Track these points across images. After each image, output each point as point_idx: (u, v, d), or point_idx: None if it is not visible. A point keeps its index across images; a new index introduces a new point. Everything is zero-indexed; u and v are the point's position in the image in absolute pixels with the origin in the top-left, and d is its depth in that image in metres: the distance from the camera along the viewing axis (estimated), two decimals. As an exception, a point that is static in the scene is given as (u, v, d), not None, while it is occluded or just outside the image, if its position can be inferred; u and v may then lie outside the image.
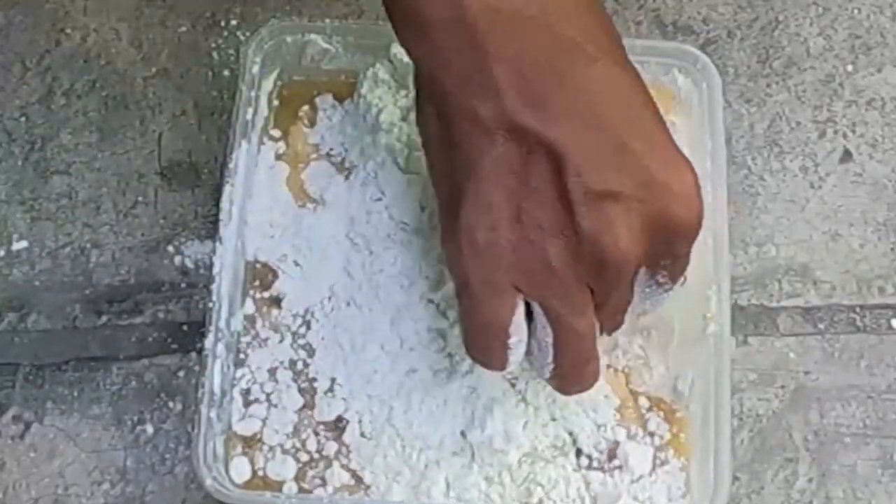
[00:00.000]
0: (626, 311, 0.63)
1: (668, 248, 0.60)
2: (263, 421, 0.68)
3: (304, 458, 0.68)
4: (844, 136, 0.78)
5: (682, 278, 0.63)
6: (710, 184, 0.71)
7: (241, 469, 0.67)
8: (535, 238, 0.58)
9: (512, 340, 0.61)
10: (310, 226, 0.71)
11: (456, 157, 0.59)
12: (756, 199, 0.76)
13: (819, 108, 0.78)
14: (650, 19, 0.80)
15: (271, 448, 0.68)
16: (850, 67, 0.79)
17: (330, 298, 0.69)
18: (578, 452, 0.68)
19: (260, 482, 0.67)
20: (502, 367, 0.62)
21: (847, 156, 0.77)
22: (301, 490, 0.67)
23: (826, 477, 0.71)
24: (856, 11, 0.80)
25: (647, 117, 0.59)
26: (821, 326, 0.74)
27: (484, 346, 0.61)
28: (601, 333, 0.63)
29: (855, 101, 0.78)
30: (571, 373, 0.62)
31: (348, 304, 0.69)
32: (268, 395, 0.69)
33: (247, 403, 0.68)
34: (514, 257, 0.59)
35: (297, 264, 0.70)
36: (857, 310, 0.74)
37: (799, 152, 0.77)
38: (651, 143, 0.59)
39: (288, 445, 0.68)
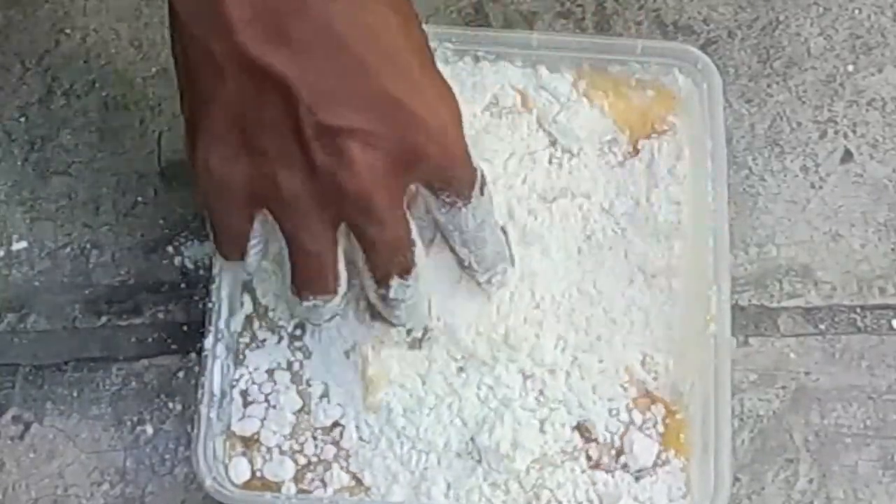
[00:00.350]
0: (407, 246, 0.62)
1: (433, 179, 0.61)
2: (262, 422, 0.68)
3: (303, 460, 0.68)
4: (845, 136, 0.77)
5: (476, 191, 0.63)
6: (711, 183, 0.71)
7: (240, 470, 0.67)
8: (268, 170, 0.59)
9: (251, 244, 0.63)
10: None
11: (194, 87, 0.59)
12: (757, 199, 0.76)
13: (820, 108, 0.78)
14: (651, 19, 0.79)
15: (269, 449, 0.68)
16: (850, 67, 0.79)
17: None
18: (588, 457, 0.68)
19: (258, 483, 0.67)
20: (240, 258, 0.63)
21: (848, 156, 0.77)
22: (300, 491, 0.67)
23: (827, 478, 0.71)
24: (856, 11, 0.80)
25: (400, 52, 0.59)
26: (821, 327, 0.74)
27: (226, 248, 0.63)
28: (390, 275, 0.63)
29: (856, 101, 0.78)
30: (302, 283, 0.62)
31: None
32: (266, 395, 0.68)
33: (246, 404, 0.68)
34: (248, 188, 0.59)
35: None
36: (858, 310, 0.74)
37: (800, 152, 0.77)
38: (399, 78, 0.58)
39: (286, 447, 0.68)
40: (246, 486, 0.67)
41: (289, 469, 0.67)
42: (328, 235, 0.61)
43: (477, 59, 0.73)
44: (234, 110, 0.58)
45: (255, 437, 0.68)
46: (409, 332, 0.68)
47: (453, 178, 0.62)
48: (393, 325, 0.66)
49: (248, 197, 0.60)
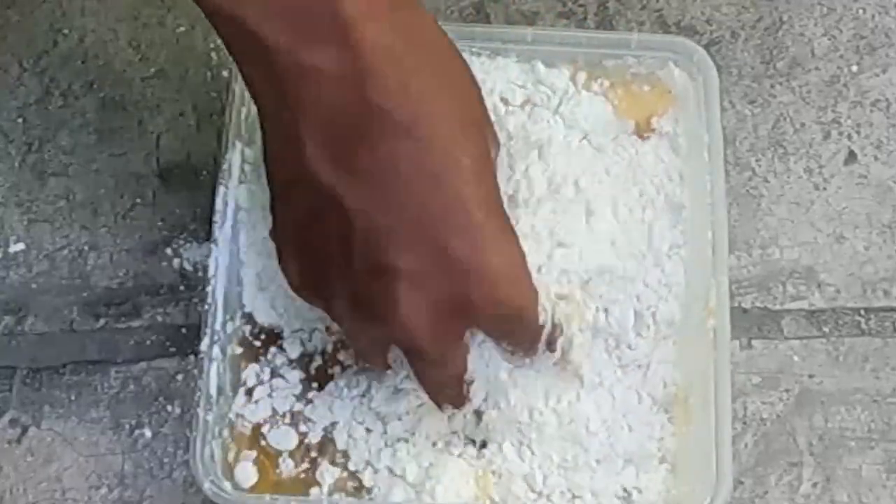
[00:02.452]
0: (457, 384, 0.63)
1: (489, 330, 0.62)
2: (264, 419, 0.68)
3: (304, 461, 0.68)
4: (849, 137, 0.77)
5: (542, 348, 0.64)
6: (708, 178, 0.70)
7: (246, 472, 0.67)
8: (325, 282, 0.61)
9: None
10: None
11: (273, 194, 0.62)
12: (760, 200, 0.76)
13: (823, 109, 0.78)
14: (653, 20, 0.79)
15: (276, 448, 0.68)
16: (854, 68, 0.79)
17: None
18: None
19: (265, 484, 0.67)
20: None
21: (852, 157, 0.77)
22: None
23: (831, 481, 0.71)
24: (861, 11, 0.80)
25: (464, 201, 0.58)
26: (825, 329, 0.73)
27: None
28: (441, 406, 0.65)
29: (860, 101, 0.78)
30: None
31: None
32: (269, 394, 0.69)
33: (249, 401, 0.68)
34: (311, 285, 0.62)
35: None
36: (862, 313, 0.74)
37: (803, 154, 0.77)
38: (457, 229, 0.58)
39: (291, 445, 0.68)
40: (252, 489, 0.67)
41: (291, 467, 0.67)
42: (380, 349, 0.63)
43: (476, 56, 0.73)
44: (301, 227, 0.60)
45: (258, 433, 0.68)
46: None
47: (511, 332, 0.62)
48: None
49: (320, 308, 0.63)
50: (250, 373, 0.69)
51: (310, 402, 0.68)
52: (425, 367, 0.62)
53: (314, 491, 0.67)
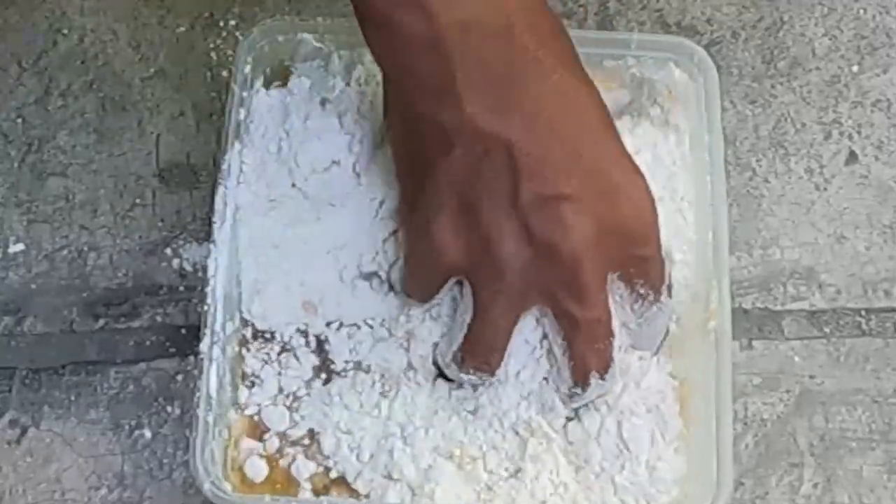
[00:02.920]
0: (608, 338, 0.65)
1: (629, 253, 0.64)
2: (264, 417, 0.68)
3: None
4: (850, 137, 0.77)
5: (666, 288, 0.66)
6: (709, 178, 0.70)
7: (257, 468, 0.67)
8: (483, 237, 0.62)
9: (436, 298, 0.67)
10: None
11: (417, 158, 0.64)
12: (761, 201, 0.76)
13: (824, 109, 0.78)
14: (654, 20, 0.79)
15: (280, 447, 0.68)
16: (855, 68, 0.79)
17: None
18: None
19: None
20: (425, 300, 0.67)
21: (853, 157, 0.77)
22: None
23: (831, 482, 0.70)
24: (861, 11, 0.80)
25: (601, 127, 0.64)
26: (826, 330, 0.73)
27: (416, 294, 0.67)
28: (589, 370, 0.65)
29: (861, 102, 0.78)
30: (472, 354, 0.65)
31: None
32: (268, 394, 0.68)
33: (249, 400, 0.68)
34: (460, 254, 0.63)
35: None
36: (863, 313, 0.74)
37: (804, 154, 0.77)
38: (604, 153, 0.63)
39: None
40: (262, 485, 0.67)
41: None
42: (516, 312, 0.64)
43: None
44: (458, 178, 0.62)
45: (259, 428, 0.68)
46: None
47: (649, 261, 0.65)
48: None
49: (455, 262, 0.64)
50: (249, 373, 0.68)
51: (308, 401, 0.68)
52: (579, 309, 0.63)
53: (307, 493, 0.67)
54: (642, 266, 0.65)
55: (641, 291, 0.65)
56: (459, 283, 0.65)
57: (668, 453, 0.66)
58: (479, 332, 0.65)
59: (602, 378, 0.65)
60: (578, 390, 0.65)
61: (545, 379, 0.66)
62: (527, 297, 0.64)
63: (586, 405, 0.67)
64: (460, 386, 0.67)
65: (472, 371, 0.66)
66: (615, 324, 0.65)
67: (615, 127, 0.64)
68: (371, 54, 0.63)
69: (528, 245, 0.62)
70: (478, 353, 0.65)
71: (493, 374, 0.66)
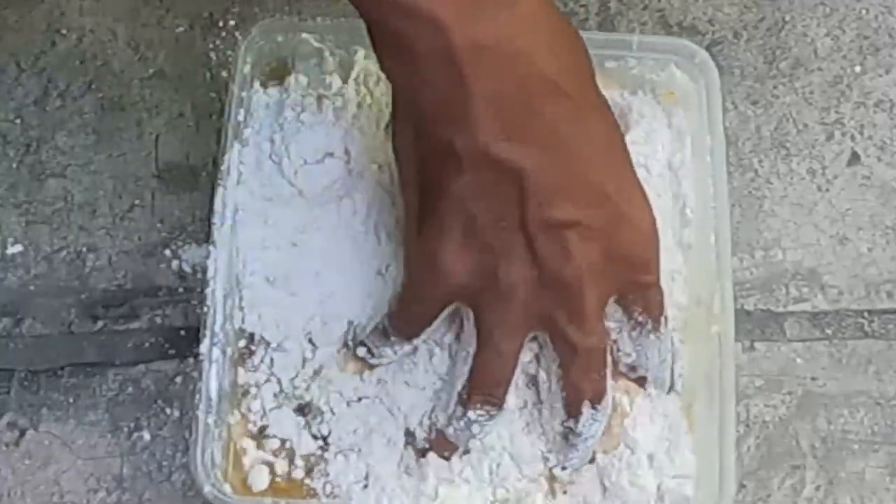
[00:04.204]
0: (604, 368, 0.65)
1: (630, 279, 0.64)
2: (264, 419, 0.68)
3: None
4: (852, 138, 0.77)
5: (663, 319, 0.66)
6: (711, 180, 0.70)
7: (258, 471, 0.67)
8: (490, 262, 0.63)
9: (428, 330, 0.66)
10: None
11: (426, 177, 0.64)
12: (763, 202, 0.76)
13: (826, 109, 0.78)
14: (655, 20, 0.79)
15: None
16: (858, 68, 0.78)
17: None
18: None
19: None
20: (415, 333, 0.67)
21: (855, 158, 0.77)
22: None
23: (834, 484, 0.70)
24: (864, 12, 0.80)
25: (613, 154, 0.64)
26: (828, 332, 0.73)
27: (406, 328, 0.67)
28: (582, 399, 0.65)
29: (863, 102, 0.78)
30: (480, 385, 0.65)
31: None
32: (269, 395, 0.68)
33: (249, 403, 0.68)
34: (465, 279, 0.63)
35: None
36: (865, 315, 0.74)
37: (806, 155, 0.77)
38: (613, 179, 0.63)
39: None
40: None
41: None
42: (520, 338, 0.64)
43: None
44: (466, 203, 0.62)
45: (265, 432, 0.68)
46: None
47: (648, 288, 0.65)
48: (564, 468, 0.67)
49: (458, 288, 0.64)
50: (250, 375, 0.68)
51: (308, 404, 0.68)
52: (579, 336, 0.63)
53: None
54: (642, 293, 0.65)
55: (640, 319, 0.65)
56: (454, 320, 0.66)
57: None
58: (485, 360, 0.65)
59: (594, 407, 0.65)
60: (571, 424, 0.65)
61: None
62: (529, 322, 0.64)
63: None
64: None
65: (479, 406, 0.65)
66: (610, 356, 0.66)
67: (626, 150, 0.65)
68: (380, 68, 0.62)
69: (533, 270, 0.62)
70: (487, 383, 0.65)
71: (501, 406, 0.65)
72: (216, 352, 0.67)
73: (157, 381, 0.72)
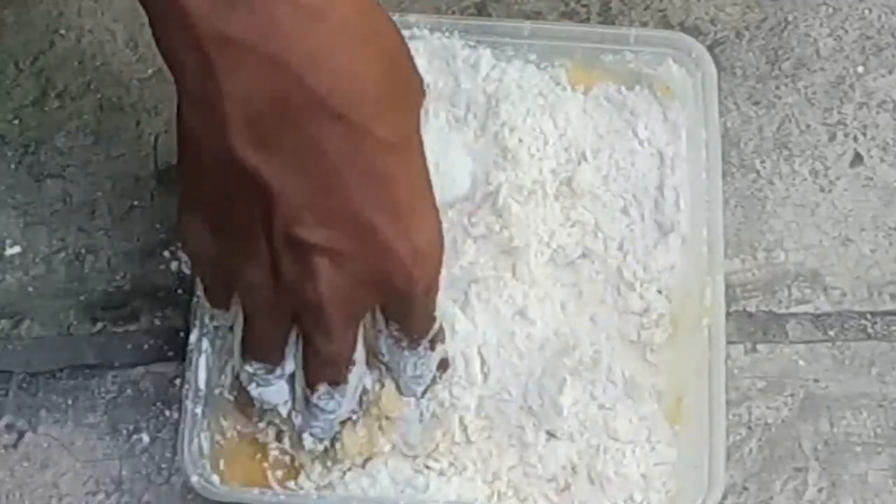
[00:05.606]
0: (345, 363, 0.64)
1: (390, 306, 0.63)
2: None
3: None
4: (855, 139, 0.77)
5: (425, 342, 0.65)
6: (707, 174, 0.71)
7: (246, 461, 0.68)
8: (236, 258, 0.60)
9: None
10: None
11: (184, 166, 0.60)
12: (765, 203, 0.75)
13: (829, 110, 0.77)
14: (657, 20, 0.79)
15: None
16: (860, 69, 0.78)
17: None
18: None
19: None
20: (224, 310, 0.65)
21: (858, 159, 0.76)
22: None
23: (836, 487, 0.70)
24: (867, 12, 0.79)
25: (393, 187, 0.59)
26: (831, 333, 0.73)
27: (212, 300, 0.65)
28: (316, 383, 0.64)
29: (866, 103, 0.77)
30: (247, 349, 0.65)
31: None
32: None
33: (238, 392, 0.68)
34: (217, 267, 0.62)
35: None
36: (868, 316, 0.73)
37: (808, 155, 0.76)
38: (384, 212, 0.59)
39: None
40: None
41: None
42: (281, 324, 0.63)
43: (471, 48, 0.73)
44: (216, 200, 0.59)
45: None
46: None
47: (410, 314, 0.63)
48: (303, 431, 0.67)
49: (209, 260, 0.62)
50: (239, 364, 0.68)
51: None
52: (322, 343, 0.62)
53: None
54: (401, 313, 0.63)
55: (396, 334, 0.64)
56: None
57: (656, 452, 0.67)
58: (251, 338, 0.64)
59: (332, 387, 0.64)
60: (308, 394, 0.65)
61: None
62: (282, 315, 0.62)
63: None
64: None
65: (254, 364, 0.65)
66: (361, 355, 0.65)
67: (420, 172, 0.60)
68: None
69: (275, 279, 0.60)
70: (253, 350, 0.64)
71: (275, 366, 0.65)
72: (205, 342, 0.67)
73: (156, 383, 0.71)
